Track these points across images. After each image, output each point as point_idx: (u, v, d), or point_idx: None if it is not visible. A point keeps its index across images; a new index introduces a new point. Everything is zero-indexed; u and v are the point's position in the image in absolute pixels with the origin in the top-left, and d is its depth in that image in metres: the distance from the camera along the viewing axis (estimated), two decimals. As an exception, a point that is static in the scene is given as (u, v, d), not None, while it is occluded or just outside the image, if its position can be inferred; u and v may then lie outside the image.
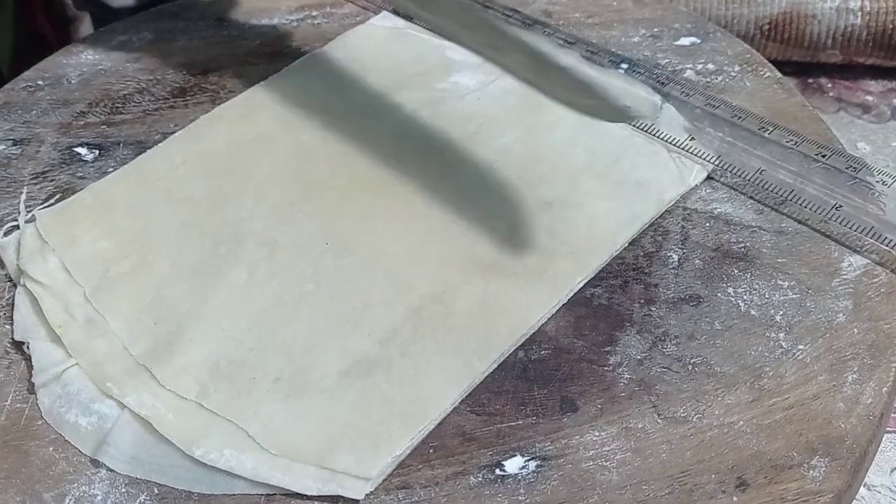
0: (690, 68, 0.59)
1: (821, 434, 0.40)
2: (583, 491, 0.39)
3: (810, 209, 0.48)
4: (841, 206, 0.48)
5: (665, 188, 0.50)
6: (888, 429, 0.51)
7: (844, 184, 0.49)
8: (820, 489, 0.38)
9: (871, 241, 0.47)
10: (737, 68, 0.59)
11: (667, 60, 0.60)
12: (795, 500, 0.38)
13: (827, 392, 0.42)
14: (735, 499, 0.38)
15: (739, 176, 0.51)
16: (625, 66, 0.58)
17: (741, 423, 0.41)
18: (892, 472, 0.49)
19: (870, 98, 0.73)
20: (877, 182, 0.49)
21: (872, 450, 0.41)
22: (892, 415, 0.50)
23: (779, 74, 0.59)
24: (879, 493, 0.48)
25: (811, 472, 0.39)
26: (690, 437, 0.40)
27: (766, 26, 0.72)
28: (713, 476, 0.39)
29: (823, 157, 0.50)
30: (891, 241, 0.46)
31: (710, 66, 0.59)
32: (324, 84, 0.58)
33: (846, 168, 0.49)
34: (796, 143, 0.51)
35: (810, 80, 0.75)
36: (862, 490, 0.48)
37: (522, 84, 0.56)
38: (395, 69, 0.59)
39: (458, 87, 0.57)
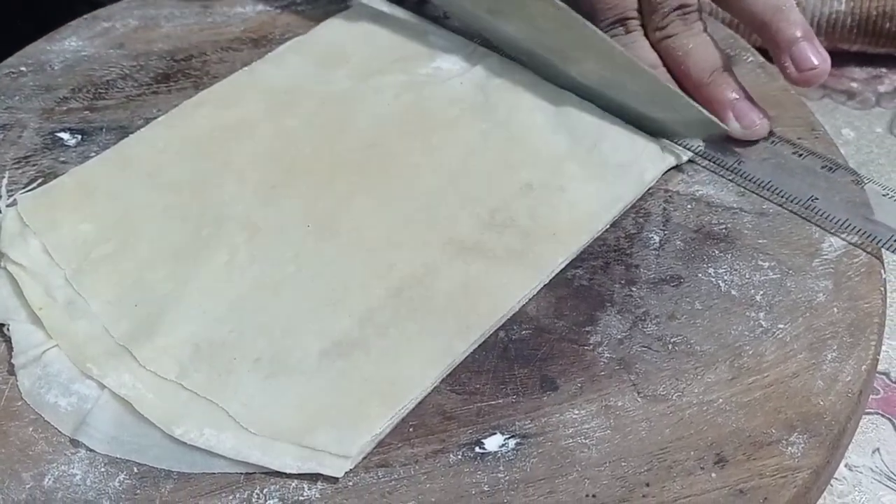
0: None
1: (800, 411, 0.40)
2: (562, 468, 0.39)
3: (788, 200, 0.49)
4: (817, 199, 0.48)
5: (646, 168, 0.50)
6: (870, 410, 0.51)
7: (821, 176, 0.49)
8: (798, 465, 0.39)
9: (845, 229, 0.47)
10: (720, 53, 0.59)
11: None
12: (774, 476, 0.38)
13: (806, 370, 0.42)
14: (714, 475, 0.38)
15: (720, 165, 0.51)
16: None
17: (720, 400, 0.41)
18: (873, 452, 0.49)
19: (854, 85, 0.73)
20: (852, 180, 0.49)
21: (851, 427, 0.41)
22: (874, 396, 0.51)
23: (762, 59, 0.59)
24: (861, 473, 0.48)
25: (790, 448, 0.39)
26: (670, 414, 0.41)
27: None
28: (692, 453, 0.39)
29: (800, 155, 0.50)
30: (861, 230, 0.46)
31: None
32: (306, 69, 0.58)
33: (821, 167, 0.50)
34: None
35: (795, 68, 0.75)
36: (844, 471, 0.48)
37: (503, 68, 0.56)
38: (377, 54, 0.59)
39: (440, 71, 0.57)
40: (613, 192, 0.49)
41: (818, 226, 0.48)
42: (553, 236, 0.47)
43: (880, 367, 0.52)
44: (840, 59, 0.74)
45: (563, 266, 0.46)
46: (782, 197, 0.48)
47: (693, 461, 0.39)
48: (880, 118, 0.69)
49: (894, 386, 0.52)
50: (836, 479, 0.48)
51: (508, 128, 0.53)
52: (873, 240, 0.46)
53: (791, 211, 0.48)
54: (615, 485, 0.38)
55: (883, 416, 0.51)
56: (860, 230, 0.46)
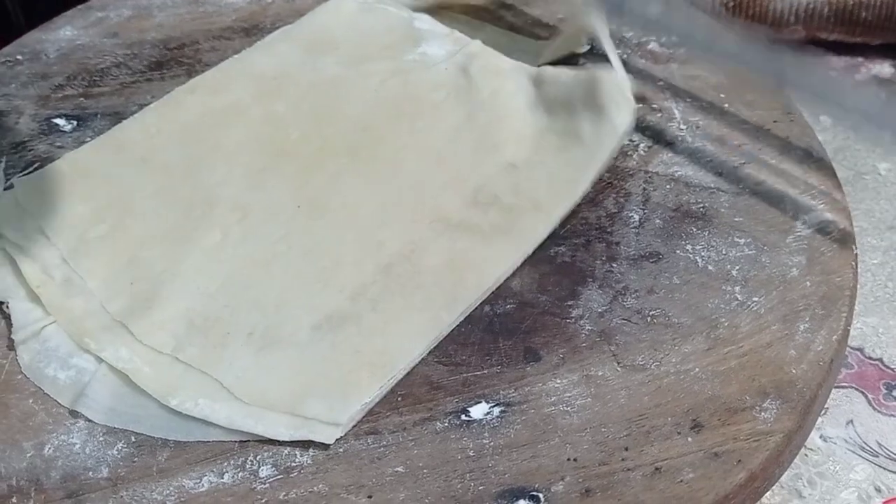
0: (654, 40, 0.60)
1: (773, 379, 0.42)
2: (545, 434, 0.40)
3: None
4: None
5: (614, 115, 0.52)
6: (844, 384, 0.52)
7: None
8: (771, 429, 0.40)
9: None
10: (699, 40, 0.60)
11: (632, 33, 0.61)
12: (748, 440, 0.40)
13: (780, 340, 0.43)
14: (690, 439, 0.40)
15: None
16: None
17: (697, 369, 0.42)
18: (847, 424, 0.51)
19: (833, 73, 0.75)
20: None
21: (823, 394, 0.43)
22: (848, 371, 0.52)
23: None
24: (835, 444, 0.50)
25: (763, 413, 0.41)
26: (648, 383, 0.42)
27: (731, 2, 0.73)
28: (669, 419, 0.41)
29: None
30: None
31: (674, 38, 0.61)
32: (295, 57, 0.59)
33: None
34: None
35: (775, 57, 0.76)
36: (819, 441, 0.50)
37: (486, 53, 0.58)
38: (365, 42, 0.60)
39: (426, 57, 0.59)
40: (589, 153, 0.51)
41: (793, 201, 0.49)
42: (535, 209, 0.49)
43: (855, 343, 0.54)
44: (819, 48, 0.76)
45: (545, 237, 0.48)
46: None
47: (670, 426, 0.40)
48: (857, 105, 0.71)
49: (868, 361, 0.54)
50: (811, 449, 0.49)
51: (491, 109, 0.55)
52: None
53: (768, 188, 0.50)
54: (595, 449, 0.40)
55: (857, 389, 0.52)
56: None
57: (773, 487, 0.47)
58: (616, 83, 0.53)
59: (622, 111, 0.52)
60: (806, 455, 0.49)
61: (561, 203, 0.49)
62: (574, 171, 0.51)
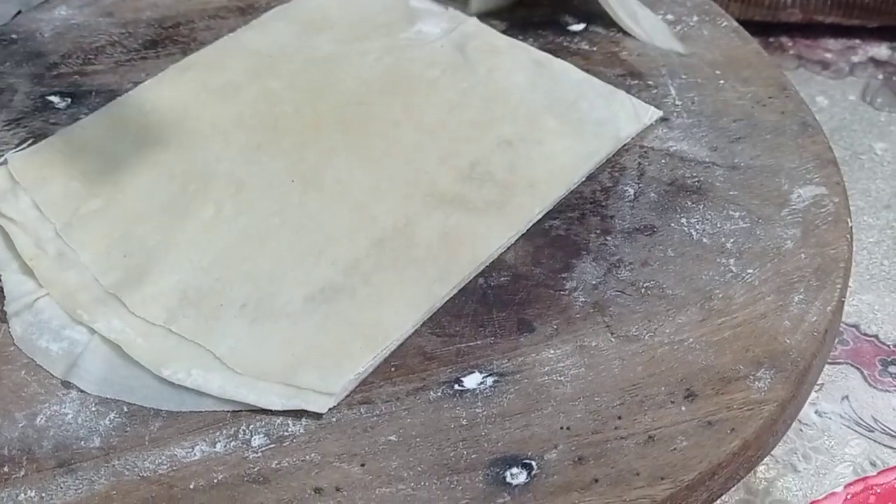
0: (651, 19, 0.60)
1: (767, 349, 0.42)
2: (538, 403, 0.40)
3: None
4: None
5: (622, 126, 0.52)
6: (839, 360, 0.52)
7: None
8: (765, 398, 0.40)
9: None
10: (695, 18, 0.60)
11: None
12: (741, 409, 0.40)
13: (774, 311, 0.43)
14: (683, 408, 0.40)
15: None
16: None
17: (691, 340, 0.42)
18: (842, 399, 0.51)
19: (829, 55, 0.75)
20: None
21: (817, 364, 0.43)
22: (844, 347, 0.52)
23: (735, 24, 0.60)
24: (830, 419, 0.50)
25: (756, 383, 0.41)
26: (642, 353, 0.42)
27: (727, -16, 0.73)
28: (663, 388, 0.41)
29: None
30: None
31: (670, 17, 0.61)
32: (291, 35, 0.59)
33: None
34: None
35: (771, 39, 0.76)
36: (814, 417, 0.50)
37: (482, 32, 0.58)
38: (360, 21, 0.60)
39: (421, 35, 0.59)
40: (590, 146, 0.51)
41: (788, 175, 0.49)
42: (530, 188, 0.49)
43: (851, 320, 0.54)
44: (815, 30, 0.76)
45: (540, 216, 0.48)
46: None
47: (664, 396, 0.40)
48: (853, 86, 0.71)
49: (864, 338, 0.53)
50: (805, 424, 0.49)
51: (487, 87, 0.55)
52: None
53: (763, 163, 0.50)
54: (588, 418, 0.40)
55: (852, 365, 0.52)
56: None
57: (768, 461, 0.47)
58: (633, 104, 0.53)
59: (630, 126, 0.52)
60: (801, 430, 0.49)
61: (556, 186, 0.49)
62: (571, 157, 0.50)
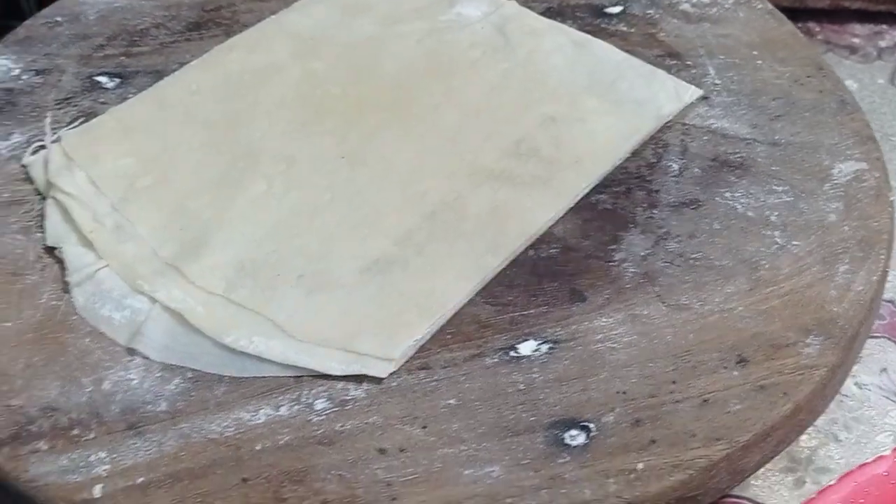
0: (686, 1, 0.61)
1: (815, 317, 0.43)
2: (593, 369, 0.41)
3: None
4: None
5: (662, 104, 0.53)
6: (877, 334, 0.53)
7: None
8: (815, 363, 0.41)
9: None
10: (731, 1, 0.61)
11: (663, -6, 0.62)
12: (792, 374, 0.41)
13: (820, 281, 0.44)
14: (736, 373, 0.41)
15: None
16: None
17: (740, 308, 0.43)
18: (881, 372, 0.52)
19: (856, 40, 0.75)
20: None
21: (863, 332, 0.44)
22: (881, 322, 0.53)
23: (770, 6, 0.61)
24: (870, 391, 0.51)
25: (806, 349, 0.42)
26: (693, 321, 0.43)
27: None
28: (715, 354, 0.42)
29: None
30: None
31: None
32: (331, 17, 0.60)
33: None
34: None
35: (799, 25, 0.77)
36: (854, 388, 0.51)
37: (521, 14, 0.59)
38: (399, 3, 0.61)
39: (461, 17, 0.60)
40: (632, 124, 0.52)
41: (828, 151, 0.50)
42: (576, 164, 0.50)
43: (888, 296, 0.55)
44: (842, 16, 0.77)
45: (586, 191, 0.49)
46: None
47: (716, 361, 0.41)
48: (882, 70, 0.72)
49: (900, 313, 0.54)
50: (845, 395, 0.50)
51: (528, 67, 0.56)
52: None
53: (803, 139, 0.51)
54: (643, 382, 0.41)
55: (889, 339, 0.53)
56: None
57: (810, 431, 0.48)
58: (674, 83, 0.54)
59: (671, 104, 0.53)
60: (841, 401, 0.50)
61: (601, 162, 0.50)
62: (615, 135, 0.51)
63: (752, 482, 0.46)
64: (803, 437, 0.48)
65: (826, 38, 0.75)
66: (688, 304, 0.43)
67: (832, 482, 0.39)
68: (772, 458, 0.41)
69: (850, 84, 0.70)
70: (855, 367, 0.51)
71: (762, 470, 0.44)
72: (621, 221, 0.47)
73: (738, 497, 0.46)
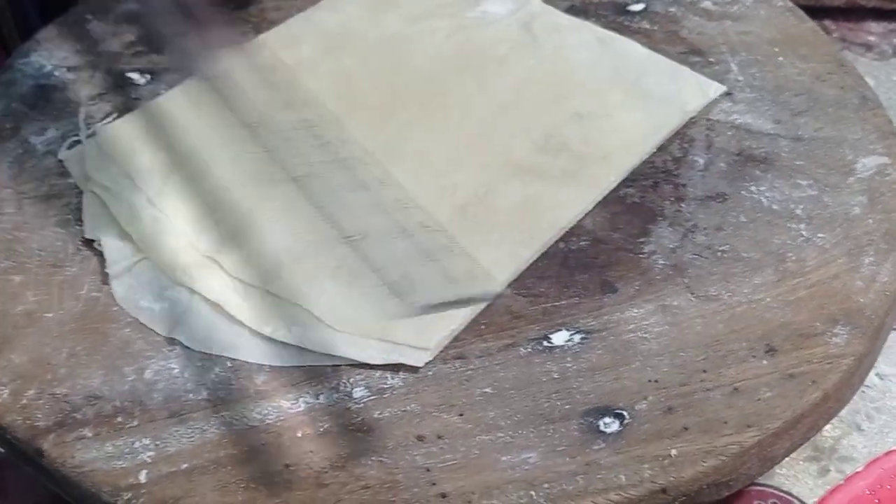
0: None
1: (842, 307, 0.44)
2: (625, 358, 0.42)
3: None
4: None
5: (687, 100, 0.54)
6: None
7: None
8: (843, 353, 0.42)
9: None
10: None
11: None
12: (821, 363, 0.41)
13: (846, 272, 0.45)
14: (765, 362, 0.42)
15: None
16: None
17: (768, 299, 0.44)
18: (902, 363, 0.52)
19: (872, 38, 0.76)
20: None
21: (889, 322, 0.44)
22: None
23: (790, 4, 0.62)
24: (891, 381, 0.52)
25: (834, 339, 0.42)
26: (722, 311, 0.44)
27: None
28: (744, 344, 0.42)
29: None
30: None
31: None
32: (359, 14, 0.61)
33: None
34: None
35: (814, 23, 0.78)
36: (875, 379, 0.51)
37: (546, 12, 0.59)
38: (425, 1, 0.62)
39: (487, 14, 0.61)
40: (658, 119, 0.53)
41: (851, 146, 0.51)
42: (604, 158, 0.51)
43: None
44: (858, 14, 0.78)
45: (615, 185, 0.50)
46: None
47: (745, 351, 0.42)
48: (898, 68, 0.73)
49: (919, 306, 0.55)
50: (868, 386, 0.51)
51: (555, 64, 0.57)
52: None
53: (826, 135, 0.52)
54: (675, 371, 0.41)
55: (910, 331, 0.54)
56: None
57: (833, 421, 0.49)
58: (697, 80, 0.55)
59: (696, 100, 0.54)
60: (863, 391, 0.51)
61: (629, 156, 0.51)
62: (642, 130, 0.52)
63: (778, 471, 0.47)
64: (827, 427, 0.49)
65: (842, 36, 0.76)
66: (716, 295, 0.44)
67: (859, 469, 0.40)
68: (800, 445, 0.42)
69: (867, 80, 0.71)
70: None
71: (787, 459, 0.45)
72: (649, 215, 0.48)
73: (763, 485, 0.47)
